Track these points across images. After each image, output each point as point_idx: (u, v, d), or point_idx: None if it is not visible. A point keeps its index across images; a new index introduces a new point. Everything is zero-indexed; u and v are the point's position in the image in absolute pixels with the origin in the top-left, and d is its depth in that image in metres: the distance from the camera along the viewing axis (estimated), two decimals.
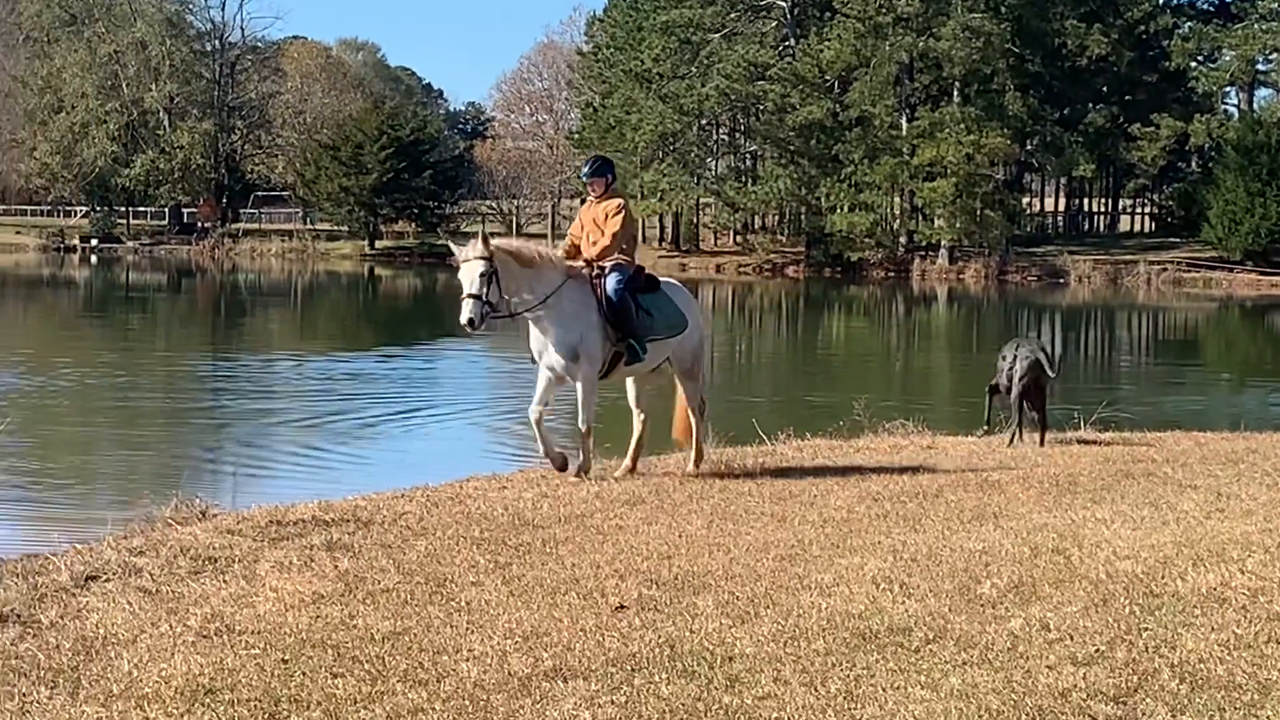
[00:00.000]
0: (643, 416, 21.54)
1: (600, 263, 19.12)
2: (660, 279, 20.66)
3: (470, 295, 17.79)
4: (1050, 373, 23.80)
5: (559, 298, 18.55)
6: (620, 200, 19.94)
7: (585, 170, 20.33)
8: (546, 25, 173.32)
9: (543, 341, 18.94)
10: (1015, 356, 23.69)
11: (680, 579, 14.53)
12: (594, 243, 19.36)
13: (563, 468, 20.24)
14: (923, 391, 36.56)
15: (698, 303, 20.62)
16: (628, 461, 21.31)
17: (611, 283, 19.01)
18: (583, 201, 21.34)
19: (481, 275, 17.82)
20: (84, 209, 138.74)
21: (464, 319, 17.88)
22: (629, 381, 21.22)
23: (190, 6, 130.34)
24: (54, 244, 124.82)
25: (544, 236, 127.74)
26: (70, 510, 20.86)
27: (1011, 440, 23.30)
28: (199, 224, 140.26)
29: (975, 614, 12.63)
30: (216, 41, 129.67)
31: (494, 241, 18.35)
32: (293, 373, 54.04)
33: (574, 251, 19.98)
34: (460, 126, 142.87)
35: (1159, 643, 11.45)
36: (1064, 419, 24.20)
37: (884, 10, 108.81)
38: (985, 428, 24.15)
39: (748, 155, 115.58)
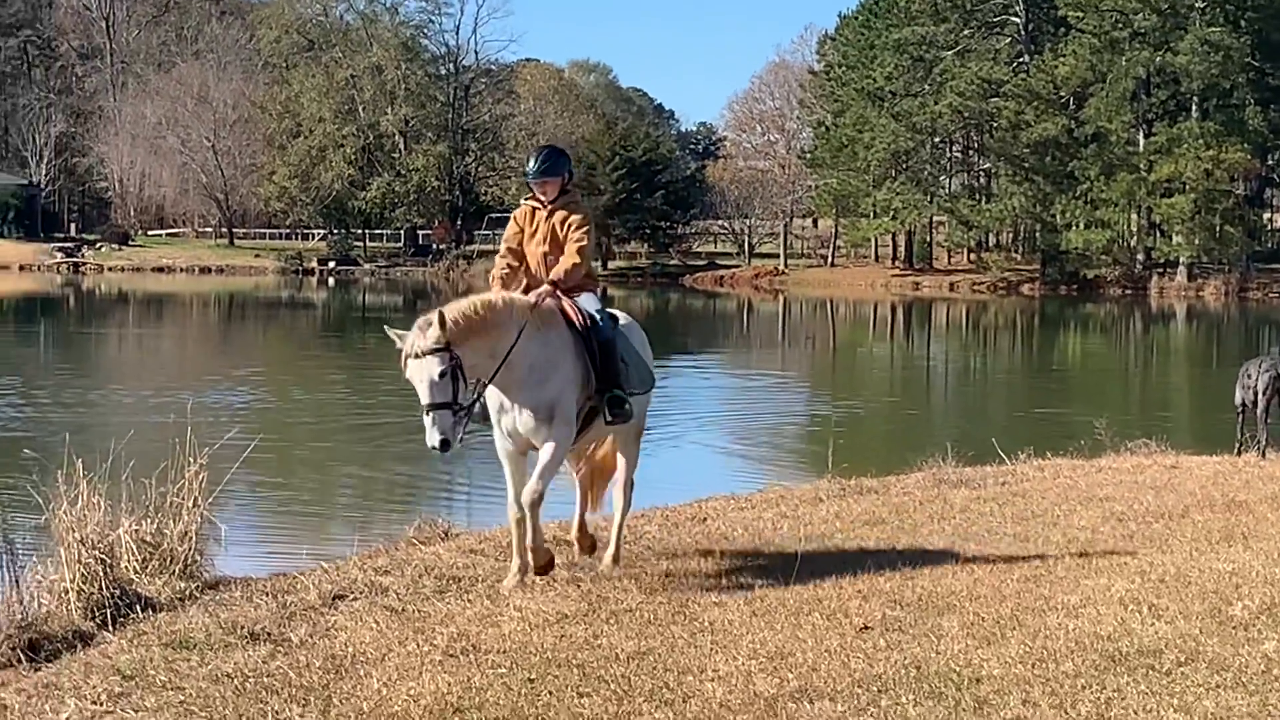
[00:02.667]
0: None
1: (561, 286, 14.88)
2: (619, 317, 15.88)
3: (433, 406, 13.61)
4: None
5: (525, 347, 14.25)
6: (584, 210, 15.65)
7: (533, 166, 15.60)
8: (777, 45, 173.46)
9: (503, 406, 14.59)
10: (1258, 373, 23.50)
11: (924, 599, 14.49)
12: (544, 259, 15.11)
13: (544, 570, 15.20)
14: (1164, 410, 36.24)
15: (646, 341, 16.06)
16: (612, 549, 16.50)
17: (590, 306, 14.98)
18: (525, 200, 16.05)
19: (442, 375, 13.57)
20: (321, 232, 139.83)
21: (434, 442, 13.71)
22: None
23: (425, 31, 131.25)
24: (292, 267, 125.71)
25: (776, 256, 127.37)
26: (314, 528, 20.99)
27: (1263, 454, 23.04)
28: (434, 246, 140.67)
29: (1227, 636, 12.59)
30: (451, 65, 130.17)
31: (449, 314, 13.84)
32: None
33: (511, 275, 15.34)
34: (692, 147, 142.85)
35: None
36: None
37: (1120, 25, 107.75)
38: (1239, 445, 23.87)
39: (981, 173, 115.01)
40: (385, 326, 13.30)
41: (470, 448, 15.57)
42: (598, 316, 14.94)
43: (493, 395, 14.63)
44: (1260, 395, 23.50)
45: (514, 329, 14.15)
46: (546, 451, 14.42)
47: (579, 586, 15.27)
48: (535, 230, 15.27)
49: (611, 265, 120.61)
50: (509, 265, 15.23)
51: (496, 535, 18.24)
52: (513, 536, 15.01)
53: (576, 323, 14.88)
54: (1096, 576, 15.02)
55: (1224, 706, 10.59)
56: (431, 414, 13.54)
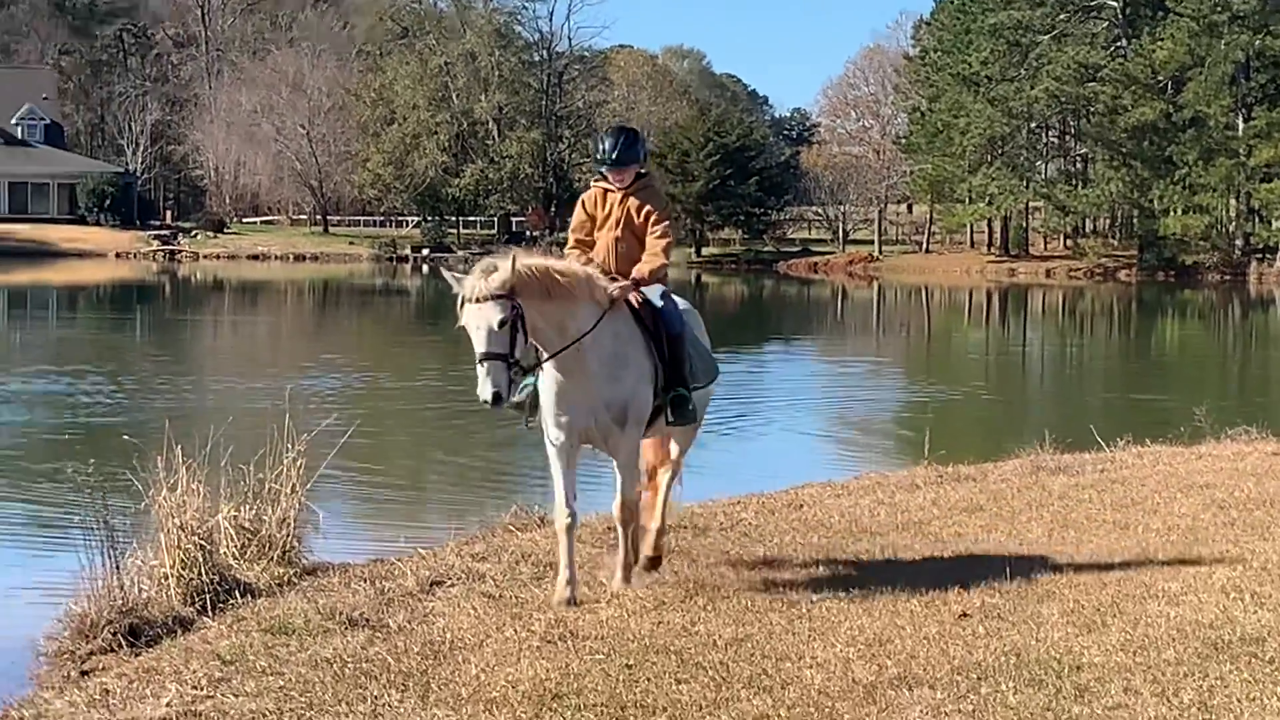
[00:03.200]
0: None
1: (644, 282, 13.59)
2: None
3: (492, 355, 12.26)
4: None
5: (598, 335, 12.92)
6: (663, 199, 14.46)
7: (607, 149, 14.07)
8: (872, 30, 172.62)
9: (564, 395, 13.10)
10: None
11: (1023, 587, 14.51)
12: (615, 245, 13.86)
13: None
14: (1264, 396, 36.08)
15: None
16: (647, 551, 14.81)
17: (673, 317, 13.66)
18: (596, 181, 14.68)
19: (502, 324, 12.20)
20: (415, 219, 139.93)
21: (485, 395, 12.27)
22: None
23: (519, 18, 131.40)
24: (386, 254, 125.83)
25: (870, 243, 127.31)
26: (410, 514, 20.96)
27: None
28: (527, 232, 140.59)
29: None
30: (544, 51, 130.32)
31: (521, 262, 12.53)
32: None
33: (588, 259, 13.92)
34: (785, 133, 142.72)
35: None
36: None
37: (1219, 8, 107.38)
38: None
39: (1078, 158, 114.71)
40: (442, 269, 12.59)
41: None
42: (670, 309, 13.70)
43: (549, 385, 13.16)
44: None
45: (591, 312, 12.90)
46: (624, 458, 13.34)
47: (676, 573, 15.35)
48: (608, 215, 14.05)
49: (705, 252, 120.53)
50: (586, 255, 13.91)
51: (593, 522, 18.30)
52: (559, 546, 13.57)
53: (645, 316, 13.64)
54: (1198, 564, 15.08)
55: None
56: (485, 364, 12.22)
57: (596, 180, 14.55)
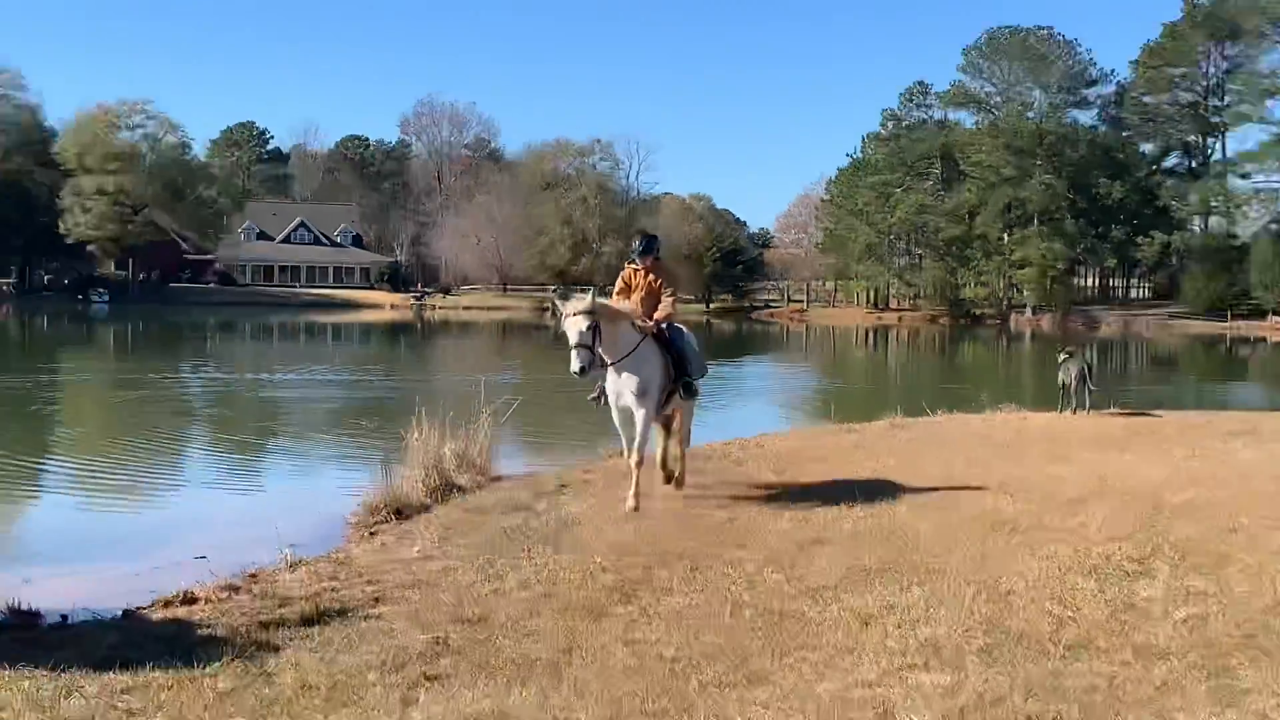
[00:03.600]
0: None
1: (662, 322, 14.20)
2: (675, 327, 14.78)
3: (580, 345, 12.94)
4: (1091, 383, 23.79)
5: (638, 351, 13.53)
6: (671, 274, 15.04)
7: (637, 247, 14.84)
8: (804, 184, 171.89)
9: (618, 385, 13.65)
10: (1074, 363, 23.78)
11: (884, 488, 14.32)
12: (643, 303, 14.32)
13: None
14: (1018, 386, 36.11)
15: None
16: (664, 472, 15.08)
17: (679, 339, 14.31)
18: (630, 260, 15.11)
19: (587, 329, 12.93)
20: (554, 286, 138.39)
21: (575, 367, 12.97)
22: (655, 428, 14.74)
23: (611, 177, 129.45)
24: (539, 306, 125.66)
25: (801, 302, 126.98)
26: (550, 448, 21.15)
27: (1075, 412, 23.07)
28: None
29: (1058, 510, 12.81)
30: (624, 195, 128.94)
31: (599, 300, 13.47)
32: None
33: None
34: (755, 241, 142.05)
35: (1163, 529, 11.61)
36: (1100, 403, 23.89)
37: (994, 176, 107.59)
38: (1062, 408, 23.84)
39: (917, 256, 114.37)
40: (553, 294, 12.78)
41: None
42: (679, 344, 14.28)
43: (613, 383, 13.74)
44: (1074, 380, 23.70)
45: (636, 338, 13.53)
46: (640, 419, 13.56)
47: (691, 484, 15.03)
48: (636, 284, 14.52)
49: (712, 305, 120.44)
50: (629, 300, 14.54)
51: (653, 457, 18.46)
52: (633, 476, 13.52)
53: (664, 337, 14.18)
54: (982, 478, 14.88)
55: (1056, 552, 10.84)
56: (575, 350, 12.84)
57: (630, 263, 14.83)
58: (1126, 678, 7.25)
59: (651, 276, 14.47)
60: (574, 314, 12.98)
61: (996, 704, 6.78)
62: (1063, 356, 24.39)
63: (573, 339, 12.90)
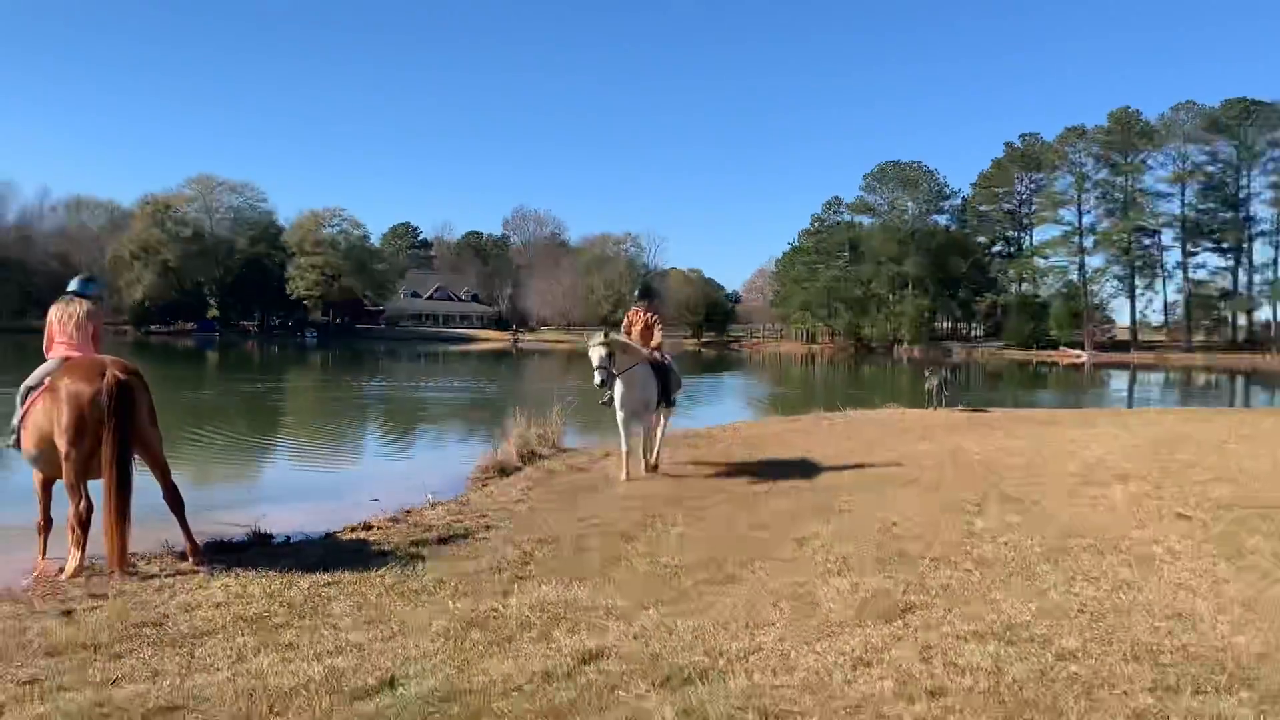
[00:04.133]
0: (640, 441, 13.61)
1: (655, 352, 13.26)
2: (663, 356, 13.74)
3: (600, 367, 12.13)
4: (947, 391, 23.91)
5: (634, 371, 12.57)
6: (662, 314, 14.29)
7: (637, 295, 14.81)
8: (761, 261, 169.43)
9: (624, 394, 12.59)
10: (935, 377, 23.86)
11: (817, 457, 14.12)
12: (642, 336, 13.49)
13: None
14: (899, 392, 35.91)
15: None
16: (648, 459, 13.63)
17: (665, 361, 13.38)
18: (630, 308, 14.43)
19: (607, 354, 12.24)
20: (604, 330, 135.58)
21: (597, 381, 12.20)
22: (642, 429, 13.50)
23: (637, 258, 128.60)
24: None
25: (762, 338, 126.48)
26: (601, 430, 21.15)
27: (934, 409, 23.14)
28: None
29: (924, 470, 12.76)
30: (644, 269, 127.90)
31: (614, 337, 12.72)
32: None
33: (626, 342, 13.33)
34: (729, 299, 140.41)
35: (993, 483, 11.57)
36: (953, 403, 23.77)
37: (882, 256, 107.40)
38: (929, 405, 23.86)
39: (835, 307, 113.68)
40: (586, 333, 11.95)
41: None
42: (666, 362, 13.30)
43: (620, 392, 12.55)
44: (935, 388, 23.73)
45: (635, 361, 12.58)
46: (650, 427, 13.01)
47: (688, 458, 15.20)
48: (637, 323, 13.64)
49: (703, 339, 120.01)
50: (625, 338, 13.29)
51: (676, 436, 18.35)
52: (624, 460, 12.65)
53: (659, 363, 13.20)
54: (889, 451, 14.90)
55: (924, 498, 10.82)
56: (597, 370, 12.06)
57: (634, 307, 14.07)
58: (969, 579, 7.23)
59: (648, 314, 13.68)
60: (595, 345, 12.28)
61: (885, 597, 6.76)
62: (928, 373, 24.63)
63: (595, 362, 12.18)
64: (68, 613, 6.61)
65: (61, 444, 7.74)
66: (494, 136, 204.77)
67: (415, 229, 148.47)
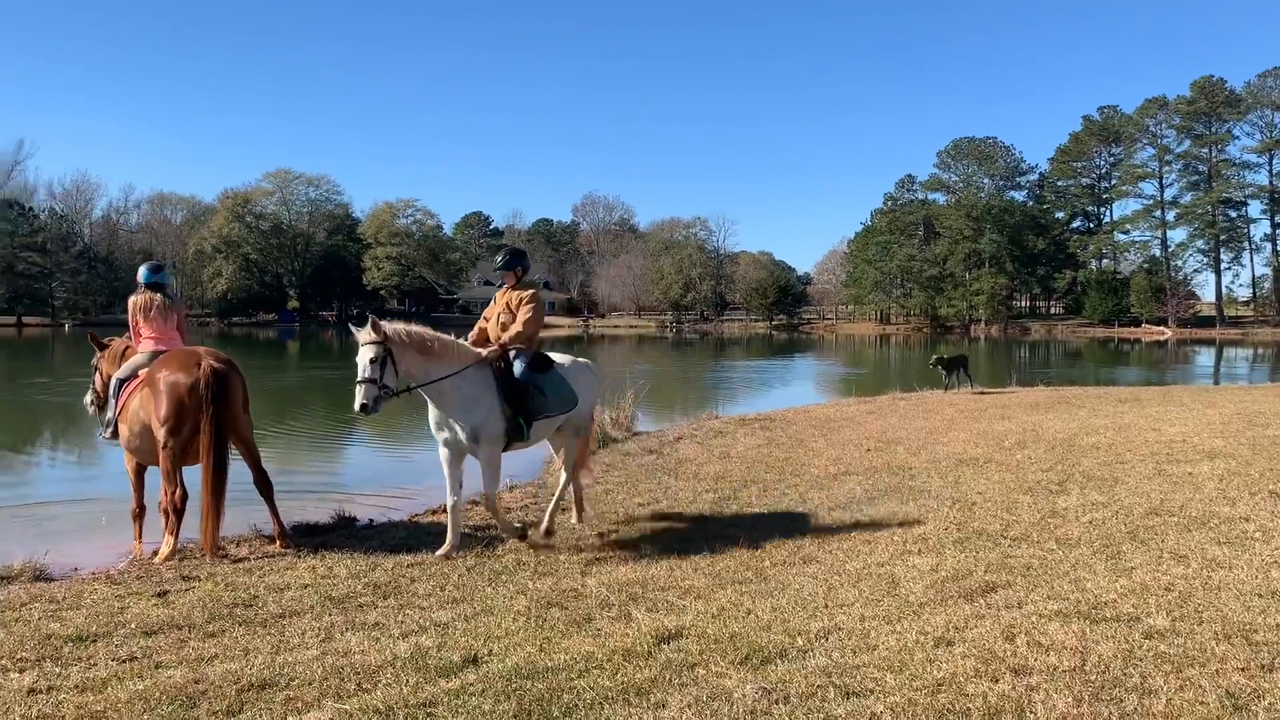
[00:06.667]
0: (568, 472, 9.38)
1: (507, 347, 8.60)
2: (556, 358, 9.21)
3: (364, 380, 7.76)
4: (966, 373, 23.80)
5: (460, 380, 8.11)
6: (533, 290, 9.10)
7: (499, 261, 9.19)
8: (833, 241, 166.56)
9: (441, 418, 8.16)
10: (954, 358, 23.72)
11: (889, 436, 13.99)
12: (504, 326, 8.87)
13: (522, 536, 8.68)
14: (976, 373, 35.31)
15: (593, 374, 9.69)
16: (574, 511, 9.49)
17: (519, 367, 8.53)
18: (499, 287, 9.48)
19: (373, 360, 7.78)
20: (672, 314, 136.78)
21: (356, 405, 7.71)
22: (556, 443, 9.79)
23: (707, 241, 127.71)
24: (662, 324, 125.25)
25: (832, 319, 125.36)
26: (671, 412, 21.04)
27: (945, 390, 23.07)
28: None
29: (1003, 450, 12.59)
30: (715, 253, 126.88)
31: (389, 326, 8.03)
32: None
33: (483, 335, 9.03)
34: (800, 280, 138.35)
35: (1075, 463, 11.36)
36: (1002, 383, 23.28)
37: (958, 234, 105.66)
38: (963, 388, 23.48)
39: (909, 288, 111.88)
40: (350, 324, 8.20)
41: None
42: (518, 371, 8.42)
43: (434, 414, 8.14)
44: (946, 372, 23.52)
45: (453, 365, 8.06)
46: (483, 464, 8.11)
47: (763, 440, 15.23)
48: (496, 307, 9.07)
49: (773, 322, 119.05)
50: (480, 327, 9.01)
51: (745, 418, 18.35)
52: (448, 520, 8.10)
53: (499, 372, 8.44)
54: (953, 431, 14.78)
55: (1003, 478, 10.64)
56: (362, 385, 7.62)
57: (501, 287, 9.35)
58: (1052, 558, 7.10)
59: (516, 295, 9.03)
60: (365, 343, 7.80)
61: (965, 576, 6.67)
62: (934, 359, 24.54)
63: (359, 370, 7.73)
64: (162, 594, 6.82)
65: (160, 433, 8.00)
66: (564, 123, 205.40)
67: (487, 218, 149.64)
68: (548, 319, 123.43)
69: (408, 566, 7.55)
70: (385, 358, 7.70)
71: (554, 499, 9.21)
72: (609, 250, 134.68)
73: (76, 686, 4.97)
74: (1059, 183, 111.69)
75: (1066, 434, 14.02)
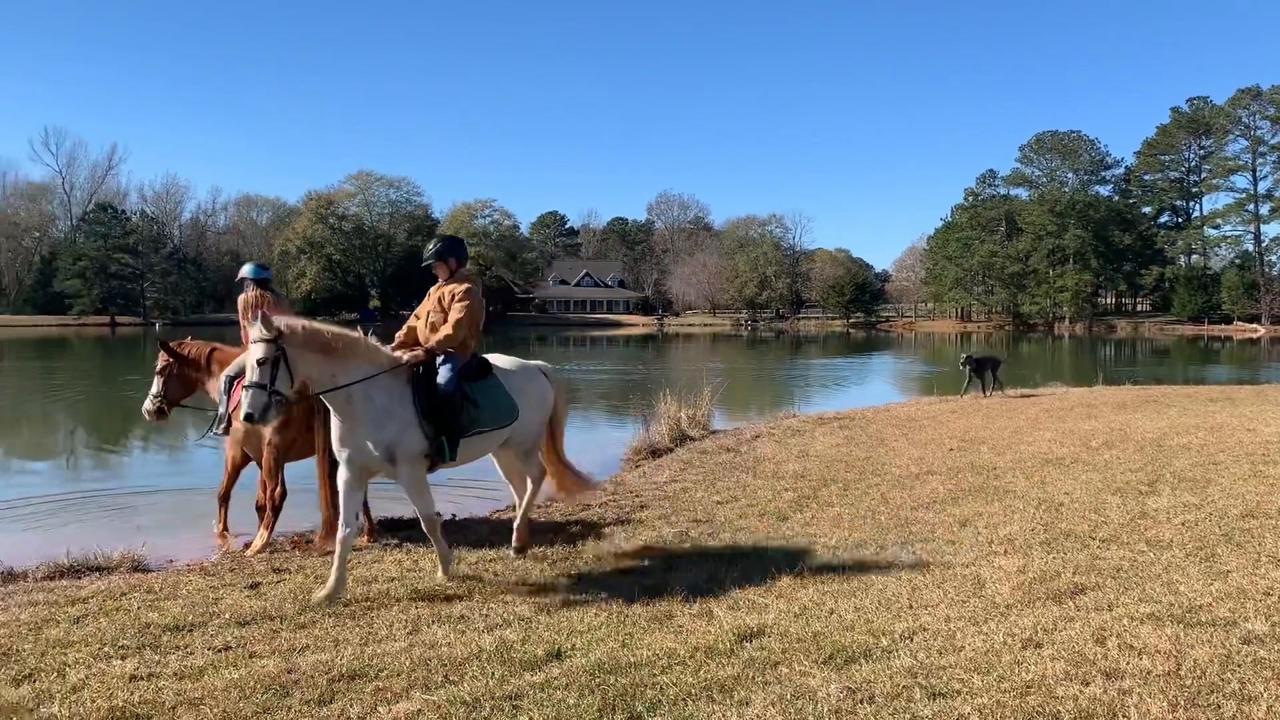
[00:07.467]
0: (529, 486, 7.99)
1: (435, 353, 7.18)
2: (498, 363, 7.75)
3: (256, 385, 6.24)
4: (995, 376, 22.24)
5: (370, 388, 6.64)
6: (468, 285, 7.59)
7: (429, 251, 7.76)
8: (912, 238, 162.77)
9: (345, 432, 6.65)
10: (984, 359, 22.44)
11: (982, 435, 13.91)
12: (434, 327, 7.47)
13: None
14: (1061, 372, 34.51)
15: (543, 380, 7.91)
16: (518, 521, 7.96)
17: (444, 373, 7.07)
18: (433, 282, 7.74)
19: (261, 361, 6.26)
20: (746, 312, 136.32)
21: (242, 414, 6.26)
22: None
23: (784, 237, 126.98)
24: (738, 321, 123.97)
25: (911, 317, 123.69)
26: (748, 410, 20.94)
27: (963, 393, 21.73)
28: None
29: (1090, 450, 12.34)
30: (791, 251, 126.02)
31: (284, 321, 6.50)
32: None
33: (412, 336, 7.59)
34: (879, 278, 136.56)
35: (1165, 463, 11.09)
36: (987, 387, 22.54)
37: (1041, 230, 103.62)
38: (985, 393, 21.65)
39: (991, 285, 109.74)
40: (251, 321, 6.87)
41: None
42: (443, 379, 6.97)
43: (336, 428, 6.69)
44: (986, 370, 22.12)
45: (363, 369, 6.64)
46: (406, 487, 6.83)
47: (845, 437, 15.16)
48: (427, 304, 7.70)
49: (850, 320, 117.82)
50: (409, 327, 7.63)
51: (824, 415, 18.15)
52: (335, 556, 6.60)
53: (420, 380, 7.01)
54: (1038, 430, 14.55)
55: (1091, 479, 10.43)
56: (248, 391, 6.23)
57: (437, 283, 7.81)
58: (1143, 560, 6.94)
59: (449, 289, 7.61)
60: (256, 341, 6.37)
61: (1053, 578, 6.56)
62: (963, 358, 22.74)
63: (248, 374, 6.35)
64: (255, 586, 7.00)
65: (266, 430, 8.23)
66: (639, 123, 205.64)
67: (562, 217, 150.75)
68: (622, 317, 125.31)
69: (490, 561, 7.65)
70: (278, 359, 6.33)
71: (520, 512, 7.94)
72: (683, 248, 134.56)
73: (175, 674, 5.13)
74: (1146, 177, 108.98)
75: (1156, 433, 13.68)
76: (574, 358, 49.93)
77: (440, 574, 7.13)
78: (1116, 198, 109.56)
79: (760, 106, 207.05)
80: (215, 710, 4.64)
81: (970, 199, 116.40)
